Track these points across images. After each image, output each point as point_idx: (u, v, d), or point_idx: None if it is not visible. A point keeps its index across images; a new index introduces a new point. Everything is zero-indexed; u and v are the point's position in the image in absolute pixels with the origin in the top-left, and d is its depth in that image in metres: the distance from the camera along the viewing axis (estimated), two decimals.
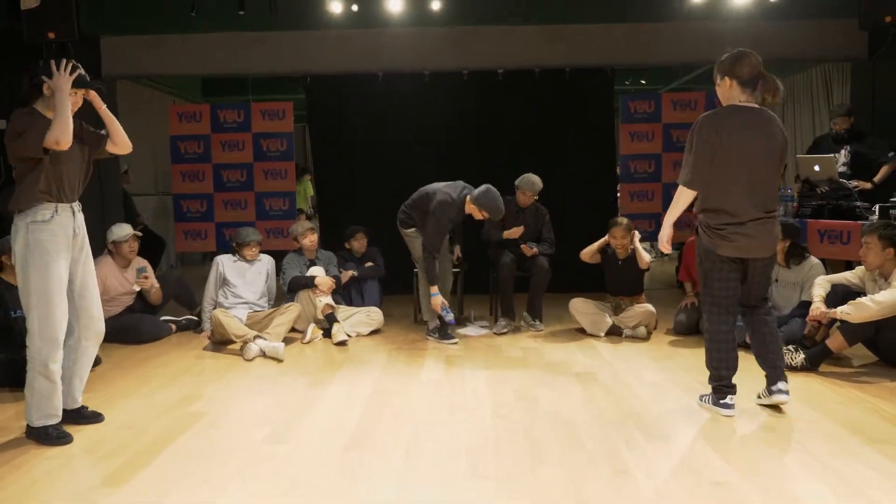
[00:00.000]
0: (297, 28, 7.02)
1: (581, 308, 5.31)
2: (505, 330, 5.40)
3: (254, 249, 5.39)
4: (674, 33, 6.99)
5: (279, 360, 4.60)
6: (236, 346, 4.85)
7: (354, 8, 6.67)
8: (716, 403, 3.49)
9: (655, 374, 4.21)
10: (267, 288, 5.47)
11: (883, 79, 6.63)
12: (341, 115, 7.24)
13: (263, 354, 4.70)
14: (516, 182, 5.63)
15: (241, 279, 5.36)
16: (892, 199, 5.20)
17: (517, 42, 7.04)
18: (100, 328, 3.42)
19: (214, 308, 5.18)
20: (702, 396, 3.62)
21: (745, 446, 3.05)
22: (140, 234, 5.40)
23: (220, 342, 4.99)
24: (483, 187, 5.02)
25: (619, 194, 7.53)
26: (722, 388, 3.48)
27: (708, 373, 3.54)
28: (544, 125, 7.13)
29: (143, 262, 5.34)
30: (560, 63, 7.06)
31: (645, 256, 5.28)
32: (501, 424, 3.35)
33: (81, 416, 3.41)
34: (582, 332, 5.32)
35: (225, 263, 5.37)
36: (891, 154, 5.71)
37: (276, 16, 6.72)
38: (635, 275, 5.40)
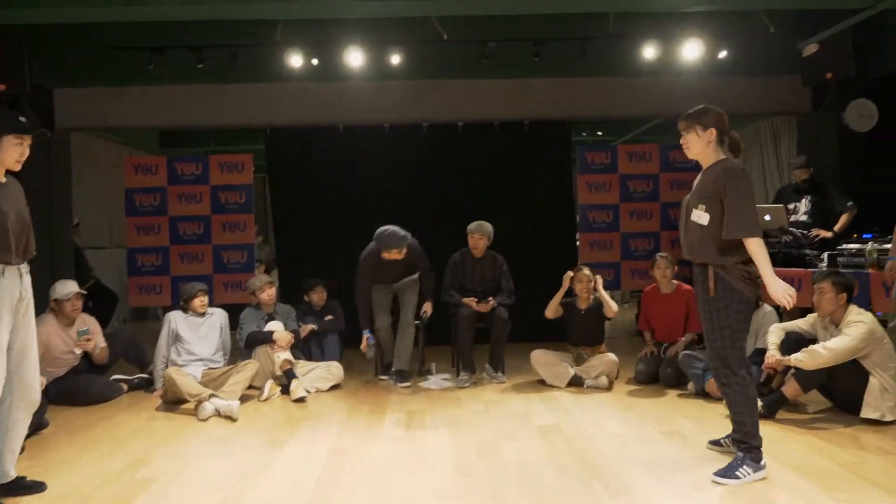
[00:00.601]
0: (257, 80, 7.05)
1: (541, 360, 5.29)
2: (466, 384, 5.34)
3: (203, 299, 5.28)
4: (628, 87, 7.20)
5: (233, 420, 4.46)
6: (190, 406, 4.69)
7: (315, 62, 6.73)
8: (758, 469, 3.20)
9: (617, 426, 4.19)
10: (221, 342, 5.34)
11: (826, 132, 6.91)
12: (302, 167, 7.24)
13: (218, 414, 4.55)
14: (467, 229, 5.67)
15: (195, 334, 5.22)
16: (838, 248, 5.35)
17: (476, 95, 7.16)
18: (34, 397, 3.22)
19: (167, 366, 5.03)
20: (732, 473, 3.17)
21: (706, 497, 3.03)
22: (84, 291, 5.23)
23: (174, 402, 4.82)
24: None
25: (578, 243, 7.62)
26: (759, 445, 3.25)
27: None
28: (504, 176, 7.22)
29: (87, 324, 5.14)
30: (518, 115, 7.20)
31: (612, 305, 5.31)
32: (464, 481, 3.28)
33: (19, 486, 3.21)
34: (544, 383, 5.29)
35: (177, 319, 5.24)
36: (849, 203, 5.89)
37: (235, 69, 6.75)
38: (596, 324, 5.41)
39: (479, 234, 5.62)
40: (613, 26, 6.52)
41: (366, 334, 5.44)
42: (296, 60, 6.58)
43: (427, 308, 5.63)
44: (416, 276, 5.67)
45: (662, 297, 5.44)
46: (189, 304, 5.27)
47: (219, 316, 5.39)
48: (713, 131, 3.30)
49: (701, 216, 3.27)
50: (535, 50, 6.72)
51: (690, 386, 4.90)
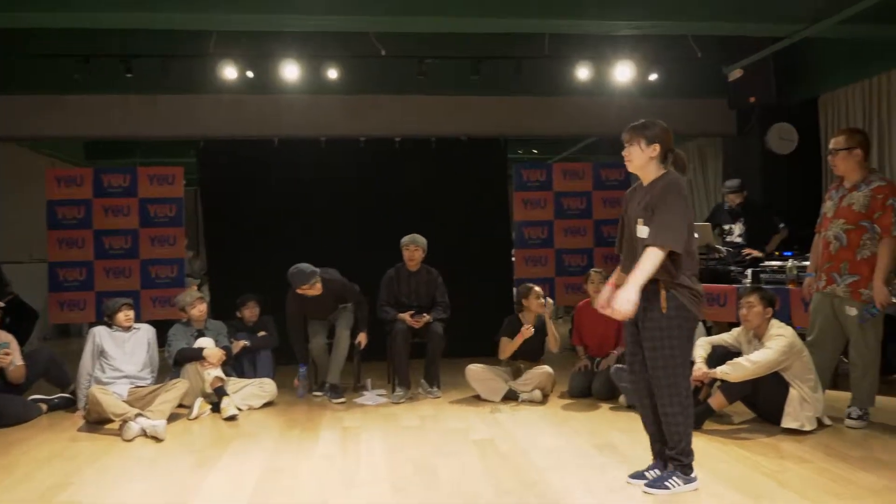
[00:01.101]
0: (190, 91, 6.91)
1: (477, 375, 5.30)
2: (402, 399, 5.31)
3: (127, 313, 5.11)
4: (561, 107, 7.38)
5: (160, 440, 4.31)
6: (115, 426, 4.50)
7: (250, 74, 6.65)
8: (688, 481, 3.24)
9: (552, 440, 4.23)
10: (149, 358, 5.15)
11: (751, 153, 7.23)
12: (235, 180, 7.11)
13: (145, 434, 4.39)
14: (401, 242, 5.66)
15: (120, 350, 5.03)
16: (761, 265, 5.58)
17: (413, 111, 7.21)
18: None
19: (91, 384, 4.83)
20: (662, 484, 3.23)
21: None
22: (3, 304, 4.99)
23: (97, 422, 4.63)
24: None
25: (514, 259, 7.71)
26: (691, 462, 3.27)
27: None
28: (440, 192, 7.25)
29: (4, 338, 4.91)
30: (455, 132, 7.27)
31: (558, 339, 5.37)
32: (400, 498, 3.25)
33: None
34: (480, 398, 5.31)
35: (102, 334, 5.04)
36: (781, 225, 6.15)
37: (167, 79, 6.60)
38: (539, 342, 5.42)
39: (414, 245, 5.63)
40: (549, 47, 6.67)
41: (301, 368, 5.50)
42: (230, 72, 6.48)
43: (361, 339, 5.58)
44: (349, 304, 5.64)
45: (595, 311, 5.50)
46: (113, 319, 5.08)
47: (145, 331, 5.21)
48: (657, 147, 3.21)
49: (642, 230, 3.19)
50: (473, 68, 6.82)
51: (622, 399, 5.00)
